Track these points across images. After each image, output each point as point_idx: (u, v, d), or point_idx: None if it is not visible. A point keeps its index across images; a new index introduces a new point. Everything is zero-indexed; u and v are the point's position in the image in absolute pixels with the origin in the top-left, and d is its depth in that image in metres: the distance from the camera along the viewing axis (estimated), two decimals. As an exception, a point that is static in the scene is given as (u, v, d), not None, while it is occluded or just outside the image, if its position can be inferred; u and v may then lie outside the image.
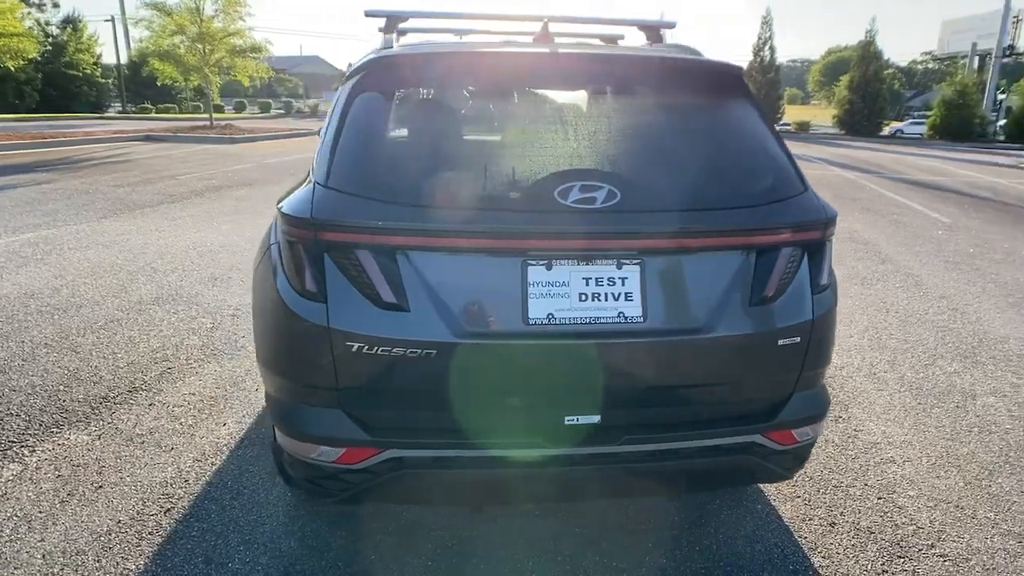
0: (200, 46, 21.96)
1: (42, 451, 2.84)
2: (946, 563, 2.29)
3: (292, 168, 13.29)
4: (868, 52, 38.42)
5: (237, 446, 2.92)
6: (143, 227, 7.37)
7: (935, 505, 2.62)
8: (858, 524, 2.50)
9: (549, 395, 1.72)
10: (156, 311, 4.60)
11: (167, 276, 5.46)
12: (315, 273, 1.68)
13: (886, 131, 41.89)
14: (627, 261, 1.67)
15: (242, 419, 3.15)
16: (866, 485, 2.75)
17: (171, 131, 21.93)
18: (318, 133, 3.15)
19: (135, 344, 4.01)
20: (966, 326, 4.72)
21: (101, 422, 3.09)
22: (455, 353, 1.63)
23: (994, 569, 2.27)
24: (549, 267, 1.66)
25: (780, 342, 1.76)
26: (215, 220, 7.85)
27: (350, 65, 2.18)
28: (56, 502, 2.49)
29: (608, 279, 1.67)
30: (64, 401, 3.28)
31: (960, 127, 37.05)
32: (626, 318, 1.67)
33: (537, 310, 1.65)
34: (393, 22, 2.51)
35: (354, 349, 1.65)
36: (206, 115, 25.79)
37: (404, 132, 1.92)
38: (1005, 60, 43.51)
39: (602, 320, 1.66)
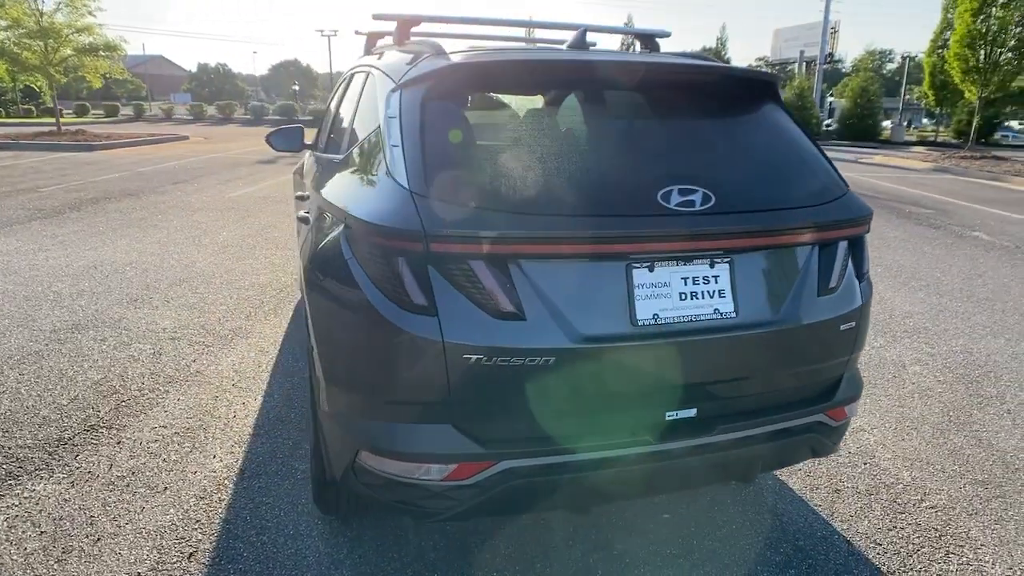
0: (42, 43, 19.67)
1: (7, 507, 2.48)
2: (938, 513, 2.60)
3: (177, 176, 12.29)
4: (719, 59, 41.70)
5: (239, 478, 2.70)
6: (22, 247, 6.53)
7: (911, 464, 2.96)
8: (857, 488, 2.76)
9: (652, 393, 1.78)
10: (80, 339, 4.12)
11: (76, 300, 4.90)
12: (424, 286, 1.62)
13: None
14: (719, 260, 1.76)
15: (232, 449, 2.92)
16: (850, 453, 3.05)
17: (10, 138, 19.48)
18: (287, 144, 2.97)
19: (70, 378, 3.58)
20: (874, 305, 5.31)
21: (66, 467, 2.74)
22: (569, 358, 1.64)
23: (975, 513, 2.61)
24: (652, 269, 1.71)
25: (842, 327, 1.93)
26: (106, 236, 7.11)
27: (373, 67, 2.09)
28: (52, 562, 2.19)
29: (703, 278, 1.75)
30: (9, 449, 2.87)
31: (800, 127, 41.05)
32: (721, 314, 1.76)
33: (644, 311, 1.70)
34: (407, 26, 2.46)
35: (471, 361, 1.61)
36: (42, 120, 23.13)
37: (488, 138, 1.89)
38: (826, 66, 49.07)
39: (700, 318, 1.74)
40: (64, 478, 2.67)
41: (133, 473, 2.72)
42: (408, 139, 1.77)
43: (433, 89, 1.82)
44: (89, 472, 2.72)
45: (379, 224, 1.65)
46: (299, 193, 3.56)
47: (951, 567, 2.30)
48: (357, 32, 3.29)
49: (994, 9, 18.70)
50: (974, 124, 22.95)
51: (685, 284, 1.74)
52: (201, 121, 40.09)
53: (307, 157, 4.03)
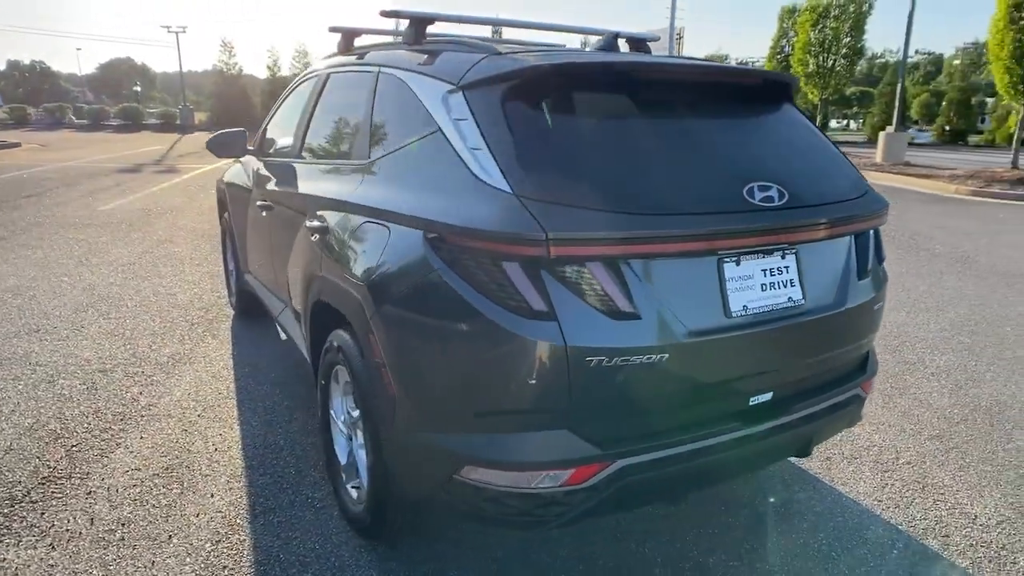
0: None
1: (-21, 584, 2.10)
2: (915, 468, 2.93)
3: (28, 189, 10.84)
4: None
5: (251, 515, 2.48)
6: None
7: (877, 428, 3.30)
8: (844, 455, 3.04)
9: (742, 380, 1.86)
10: (-12, 380, 3.56)
11: (-39, 336, 4.21)
12: (541, 291, 1.59)
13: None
14: (788, 252, 1.88)
15: (229, 484, 2.66)
16: (823, 423, 3.34)
17: None
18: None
19: (-7, 425, 3.09)
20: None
21: (35, 528, 2.37)
22: (678, 353, 1.68)
23: (942, 464, 2.96)
24: (738, 263, 1.79)
25: (875, 307, 2.13)
26: (-34, 260, 6.16)
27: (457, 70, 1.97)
28: (68, 638, 1.90)
29: (777, 269, 1.86)
30: (-50, 515, 2.43)
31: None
32: (793, 302, 1.88)
33: (736, 303, 1.77)
34: (422, 25, 2.38)
35: (591, 364, 1.60)
36: None
37: (576, 139, 1.85)
38: None
39: (778, 306, 1.85)
40: (37, 541, 2.30)
41: (123, 525, 2.40)
42: (494, 142, 1.72)
43: (512, 90, 1.78)
44: (67, 530, 2.36)
45: (495, 231, 1.59)
46: (263, 202, 3.31)
47: (943, 512, 2.60)
48: (332, 29, 3.10)
49: (828, 21, 21.07)
50: (816, 122, 25.72)
51: (765, 276, 1.84)
52: (25, 126, 35.67)
53: (252, 163, 3.76)
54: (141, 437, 3.02)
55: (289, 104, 3.60)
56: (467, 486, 1.75)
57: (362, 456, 2.27)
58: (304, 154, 3.02)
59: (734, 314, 1.77)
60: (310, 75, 3.38)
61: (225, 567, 2.20)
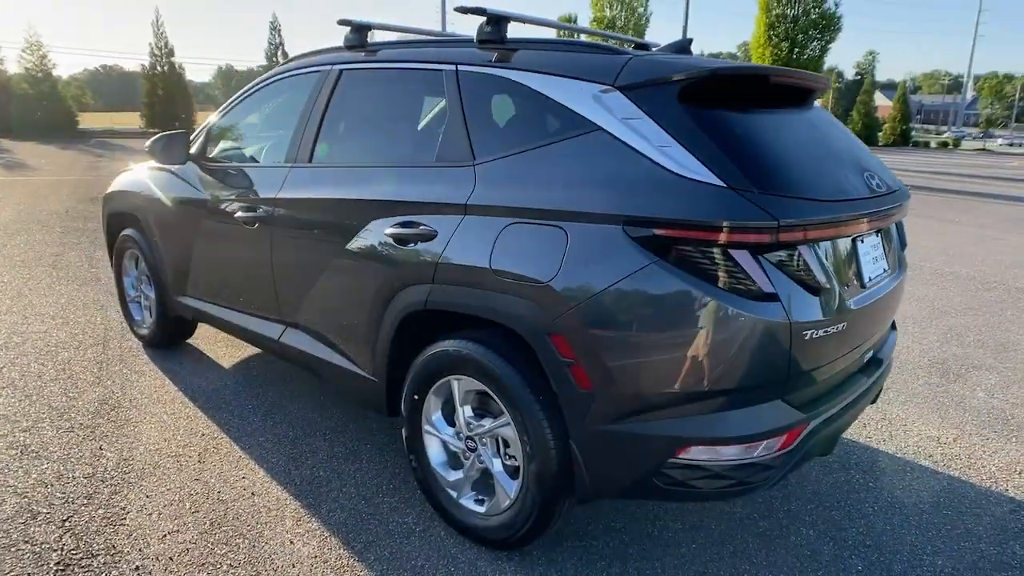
0: None
1: None
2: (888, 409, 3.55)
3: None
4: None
5: (355, 554, 2.25)
6: None
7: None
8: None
9: (867, 341, 2.17)
10: None
11: None
12: (767, 274, 1.73)
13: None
14: (880, 231, 2.24)
15: (303, 527, 2.38)
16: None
17: None
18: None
19: (-76, 516, 2.38)
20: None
21: (98, 621, 1.92)
22: (848, 320, 1.93)
23: (906, 402, 3.62)
24: (863, 240, 2.10)
25: (904, 276, 2.60)
26: None
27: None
28: None
29: (874, 245, 2.21)
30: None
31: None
32: (887, 272, 2.25)
33: (867, 275, 2.08)
34: (503, 24, 2.35)
35: (805, 338, 1.78)
36: None
37: (753, 136, 1.95)
38: None
39: (882, 276, 2.20)
40: (113, 634, 1.88)
41: (213, 593, 2.05)
42: (686, 138, 1.81)
43: (683, 90, 1.88)
44: (146, 614, 1.96)
45: (723, 221, 1.68)
46: (248, 213, 2.95)
47: (911, 439, 3.21)
48: (341, 22, 2.83)
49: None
50: None
51: (874, 250, 2.18)
52: None
53: (199, 171, 3.32)
54: (148, 496, 2.54)
55: (262, 106, 3.24)
56: (685, 466, 1.83)
57: (498, 466, 2.20)
58: (323, 158, 2.76)
59: (867, 284, 2.08)
60: (295, 72, 3.07)
61: (372, 610, 2.00)
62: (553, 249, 1.90)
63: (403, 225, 2.29)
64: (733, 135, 1.85)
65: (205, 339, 4.25)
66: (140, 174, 3.86)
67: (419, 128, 2.59)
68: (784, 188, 1.77)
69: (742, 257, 1.72)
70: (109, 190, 4.15)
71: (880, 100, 60.19)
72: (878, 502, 2.62)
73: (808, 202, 1.79)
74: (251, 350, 4.09)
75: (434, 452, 2.41)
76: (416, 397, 2.37)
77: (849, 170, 2.07)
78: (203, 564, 2.17)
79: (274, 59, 39.31)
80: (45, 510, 2.43)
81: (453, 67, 2.37)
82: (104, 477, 2.66)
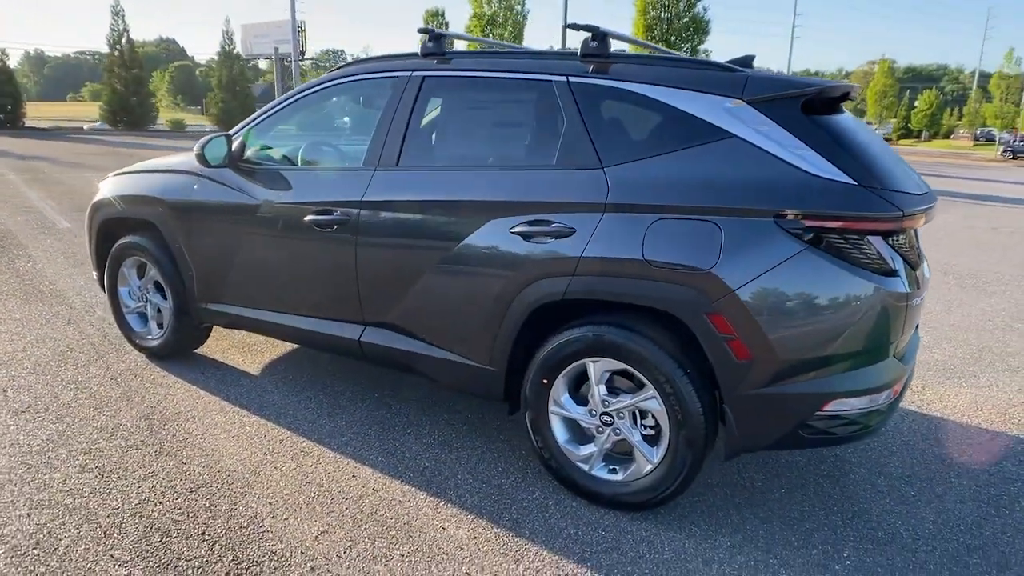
0: None
1: None
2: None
3: None
4: (230, 54, 40.24)
5: (508, 533, 2.42)
6: None
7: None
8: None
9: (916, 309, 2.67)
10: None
11: None
12: (892, 255, 2.14)
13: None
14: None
15: (458, 516, 2.50)
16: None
17: None
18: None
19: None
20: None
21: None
22: (922, 292, 2.41)
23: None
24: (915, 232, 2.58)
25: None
26: None
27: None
28: None
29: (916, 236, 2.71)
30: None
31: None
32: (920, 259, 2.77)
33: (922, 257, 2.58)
34: (607, 41, 2.60)
35: (911, 305, 2.21)
36: None
37: (853, 141, 2.31)
38: (303, 63, 53.21)
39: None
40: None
41: (402, 580, 2.14)
42: (816, 144, 2.17)
43: (804, 103, 2.24)
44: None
45: (864, 213, 2.07)
46: (319, 218, 2.97)
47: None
48: (422, 31, 2.89)
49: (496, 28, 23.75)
50: None
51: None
52: None
53: (240, 174, 3.27)
54: (270, 502, 2.53)
55: (314, 112, 3.24)
56: (827, 417, 2.21)
57: (637, 436, 2.46)
58: (416, 162, 2.85)
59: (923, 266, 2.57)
60: (354, 78, 3.11)
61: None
62: (709, 241, 2.19)
63: (531, 224, 2.48)
64: (844, 139, 2.24)
65: (209, 348, 4.08)
66: (154, 178, 3.66)
67: (529, 133, 2.76)
68: (894, 184, 2.19)
69: (876, 241, 2.12)
70: (100, 197, 3.87)
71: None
72: (900, 441, 3.18)
73: (909, 195, 2.22)
74: (266, 354, 4.00)
75: (560, 431, 2.62)
76: (545, 382, 2.57)
77: (908, 167, 2.54)
78: (375, 558, 2.25)
79: (117, 46, 35.81)
80: (173, 526, 2.36)
81: (564, 78, 2.58)
82: (209, 488, 2.60)
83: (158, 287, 3.80)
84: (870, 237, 2.12)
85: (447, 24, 27.10)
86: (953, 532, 2.49)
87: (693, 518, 2.52)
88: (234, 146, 3.30)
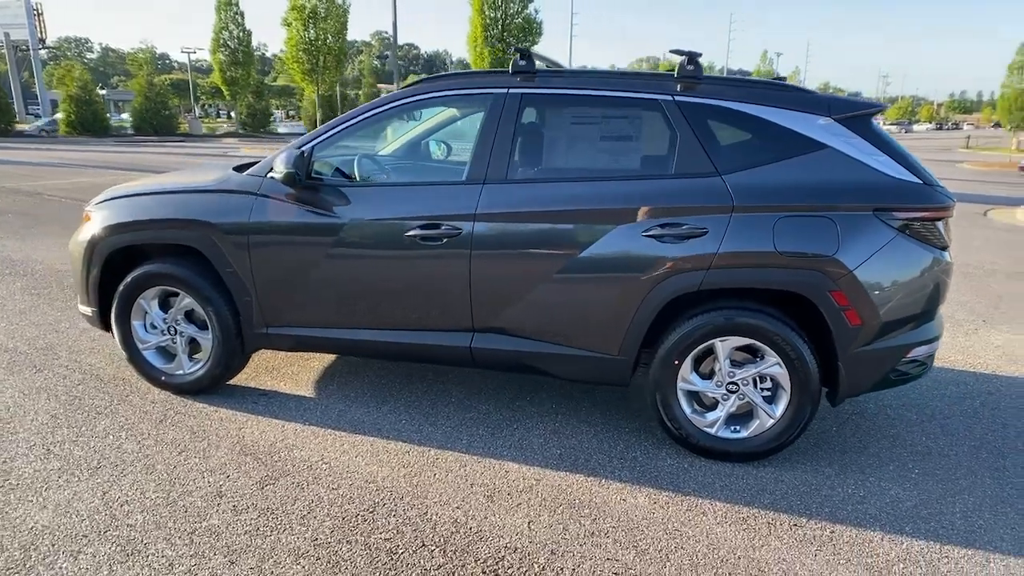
0: None
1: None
2: (798, 328, 5.09)
3: None
4: None
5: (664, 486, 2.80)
6: None
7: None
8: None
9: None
10: None
11: None
12: (946, 235, 2.86)
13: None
14: None
15: (627, 480, 2.81)
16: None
17: None
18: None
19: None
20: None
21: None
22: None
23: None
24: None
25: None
26: None
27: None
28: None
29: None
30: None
31: (94, 123, 38.38)
32: None
33: (923, 232, 3.39)
34: (700, 64, 3.05)
35: (951, 273, 2.97)
36: None
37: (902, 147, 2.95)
38: (42, 51, 46.68)
39: None
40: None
41: (633, 547, 2.44)
42: (888, 152, 2.83)
43: (870, 118, 2.90)
44: None
45: (935, 204, 2.76)
46: (425, 232, 3.06)
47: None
48: (518, 50, 3.03)
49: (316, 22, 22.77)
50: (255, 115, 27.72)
51: None
52: None
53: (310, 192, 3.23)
54: (458, 507, 2.64)
55: (389, 129, 3.27)
56: (908, 362, 2.89)
57: (759, 399, 2.96)
58: (526, 174, 3.07)
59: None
60: (436, 95, 3.23)
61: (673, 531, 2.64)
62: (829, 233, 2.75)
63: (663, 227, 2.86)
64: (893, 146, 2.92)
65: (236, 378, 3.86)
66: (186, 200, 3.41)
67: (642, 146, 3.09)
68: (935, 181, 2.92)
69: (940, 225, 2.83)
70: (102, 225, 3.47)
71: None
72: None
73: (945, 189, 2.96)
74: (297, 374, 3.88)
75: (685, 404, 3.05)
76: (676, 362, 2.97)
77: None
78: (593, 533, 2.51)
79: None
80: (391, 544, 2.40)
81: (670, 97, 2.98)
82: (388, 506, 2.63)
83: (189, 316, 3.52)
84: (938, 222, 2.82)
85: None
86: (954, 441, 3.35)
87: (800, 463, 3.10)
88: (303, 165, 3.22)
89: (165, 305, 3.56)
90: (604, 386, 3.47)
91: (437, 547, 2.40)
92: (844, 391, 2.93)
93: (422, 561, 2.32)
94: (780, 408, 2.96)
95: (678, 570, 2.32)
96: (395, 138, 3.98)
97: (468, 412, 3.49)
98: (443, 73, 3.37)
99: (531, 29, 19.27)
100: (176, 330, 3.55)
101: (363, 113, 3.31)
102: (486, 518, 2.58)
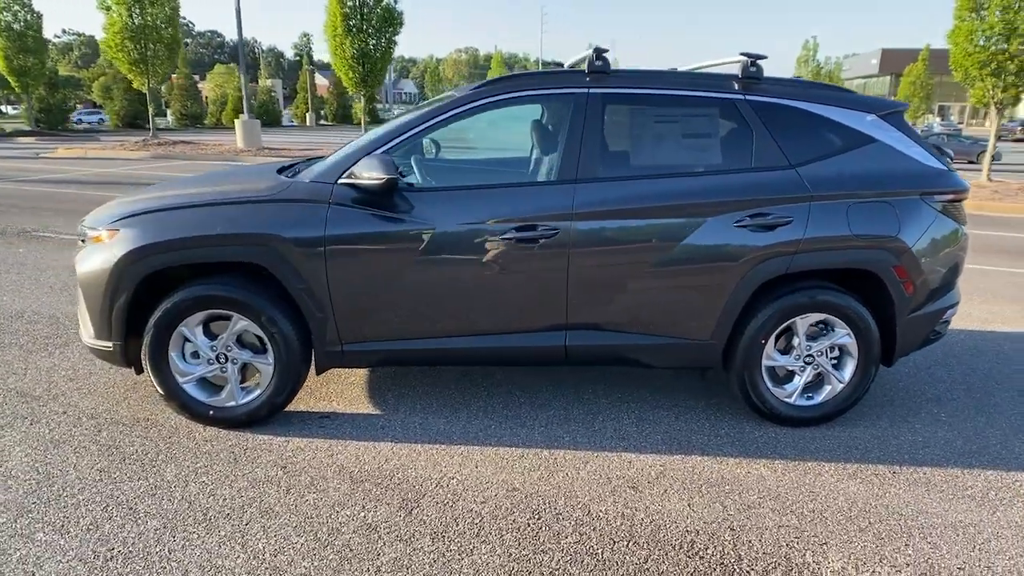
0: None
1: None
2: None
3: None
4: None
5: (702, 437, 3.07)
6: None
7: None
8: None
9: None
10: None
11: None
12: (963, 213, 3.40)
13: None
14: None
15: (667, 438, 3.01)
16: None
17: None
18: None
19: None
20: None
21: None
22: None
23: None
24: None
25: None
26: None
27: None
28: None
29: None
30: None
31: None
32: None
33: (915, 212, 3.98)
34: (760, 67, 3.33)
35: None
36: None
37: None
38: None
39: None
40: None
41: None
42: (921, 144, 3.30)
43: (903, 115, 3.35)
44: None
45: (962, 188, 3.27)
46: (521, 235, 3.06)
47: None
48: (598, 53, 3.04)
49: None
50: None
51: None
52: None
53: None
54: (623, 515, 2.70)
55: (469, 131, 3.20)
56: (943, 322, 3.40)
57: (829, 366, 3.32)
58: (617, 171, 3.15)
59: None
60: (512, 96, 3.19)
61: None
62: (890, 216, 3.16)
63: (752, 216, 3.11)
64: (919, 137, 3.41)
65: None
66: (241, 212, 3.07)
67: (720, 142, 3.27)
68: (953, 169, 3.45)
69: (962, 205, 3.35)
70: (143, 242, 3.01)
71: (320, 80, 65.58)
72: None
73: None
74: (342, 391, 3.66)
75: (768, 378, 3.33)
76: (763, 341, 3.24)
77: None
78: (748, 506, 2.69)
79: None
80: (592, 545, 2.41)
81: (742, 96, 3.22)
82: (551, 512, 2.63)
83: (239, 341, 3.19)
84: (962, 203, 3.34)
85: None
86: (955, 385, 3.99)
87: (862, 423, 3.52)
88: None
89: (212, 332, 3.18)
90: (687, 370, 3.66)
91: (630, 540, 2.45)
92: (899, 352, 3.38)
93: (625, 557, 2.37)
94: (847, 373, 3.34)
95: (843, 524, 2.58)
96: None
97: (547, 410, 3.52)
98: (513, 74, 3.33)
99: (391, 19, 18.74)
100: (227, 357, 3.18)
101: (441, 114, 3.18)
102: (647, 507, 2.67)
